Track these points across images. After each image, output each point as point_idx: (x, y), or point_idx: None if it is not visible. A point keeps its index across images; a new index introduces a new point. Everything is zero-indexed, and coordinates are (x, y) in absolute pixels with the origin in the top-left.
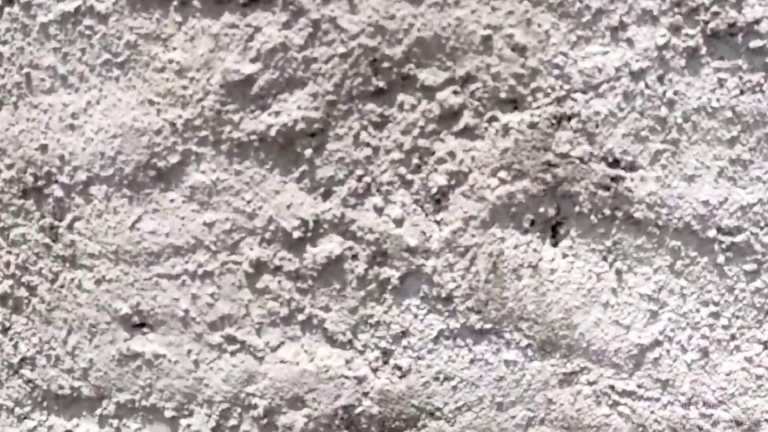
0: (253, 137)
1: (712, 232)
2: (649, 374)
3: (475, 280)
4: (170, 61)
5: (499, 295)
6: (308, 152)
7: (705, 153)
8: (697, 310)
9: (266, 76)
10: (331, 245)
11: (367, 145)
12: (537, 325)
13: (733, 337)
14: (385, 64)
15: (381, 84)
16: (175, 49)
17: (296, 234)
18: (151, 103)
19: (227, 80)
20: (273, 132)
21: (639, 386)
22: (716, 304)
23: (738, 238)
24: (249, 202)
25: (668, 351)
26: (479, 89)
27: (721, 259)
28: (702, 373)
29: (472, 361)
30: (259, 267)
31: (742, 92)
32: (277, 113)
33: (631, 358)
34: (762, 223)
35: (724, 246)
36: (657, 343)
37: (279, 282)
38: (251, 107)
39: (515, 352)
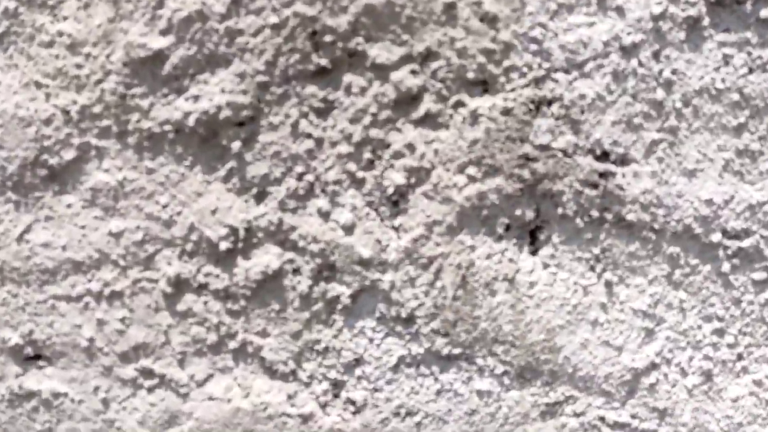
0: (167, 127)
1: (716, 236)
2: (644, 402)
3: (441, 297)
4: (60, 34)
5: (470, 314)
6: (236, 145)
7: (708, 143)
8: (699, 327)
9: (180, 52)
10: (267, 258)
11: (308, 136)
12: (514, 348)
13: (739, 357)
14: (328, 38)
15: (323, 62)
16: (66, 18)
17: (224, 245)
18: (38, 85)
19: (132, 57)
20: (191, 121)
21: (633, 417)
22: (720, 319)
23: (745, 243)
24: (165, 206)
25: (666, 375)
26: (442, 68)
27: (726, 267)
28: (705, 400)
29: (438, 393)
30: (180, 285)
31: (750, 71)
32: (196, 98)
33: (623, 385)
34: None
35: (729, 252)
36: (653, 366)
37: (205, 303)
38: (163, 91)
39: (489, 381)
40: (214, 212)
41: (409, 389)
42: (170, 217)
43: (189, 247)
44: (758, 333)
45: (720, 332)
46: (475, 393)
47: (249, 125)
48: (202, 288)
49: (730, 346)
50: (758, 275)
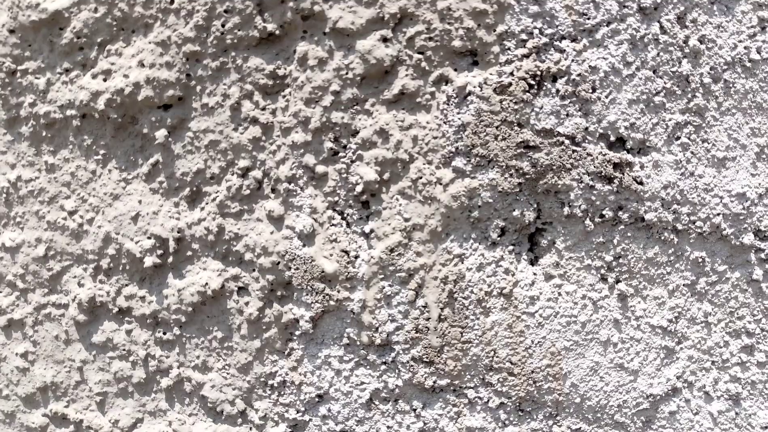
0: (70, 112)
1: (747, 238)
2: None
3: (424, 318)
4: None
5: (459, 338)
6: (161, 134)
7: (740, 126)
8: (726, 344)
9: (85, 14)
10: (205, 275)
11: (254, 121)
12: (512, 376)
13: None
14: None
15: (270, 27)
16: None
17: (150, 260)
18: None
19: (21, 22)
20: (102, 103)
21: None
22: (750, 334)
23: None
24: (72, 213)
25: (688, 401)
26: (420, 35)
27: (758, 273)
28: (732, 428)
29: None
30: (95, 311)
31: None
32: (107, 74)
33: (639, 414)
34: None
35: (762, 255)
36: (674, 391)
37: (128, 332)
38: (64, 65)
39: (482, 416)
40: (135, 219)
41: (386, 429)
42: (79, 226)
43: (105, 263)
44: None
45: (749, 349)
46: (466, 431)
47: (177, 108)
48: (123, 314)
49: (761, 364)
50: None
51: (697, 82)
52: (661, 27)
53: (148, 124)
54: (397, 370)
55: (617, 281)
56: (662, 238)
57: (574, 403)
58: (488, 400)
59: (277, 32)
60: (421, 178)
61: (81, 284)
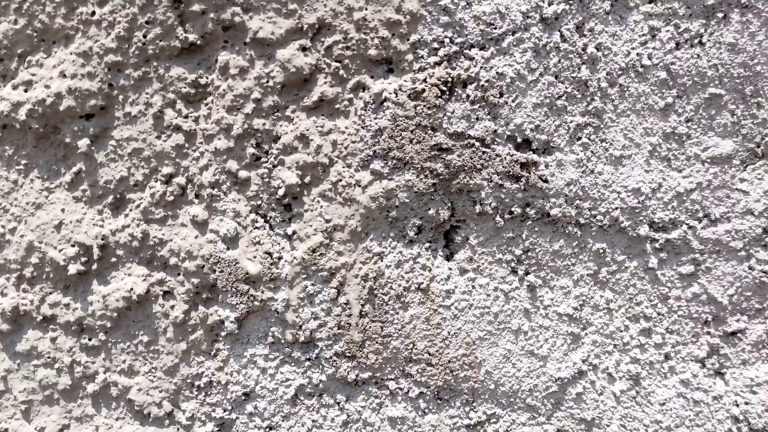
0: None
1: (643, 229)
2: (571, 414)
3: (346, 315)
4: None
5: (379, 333)
6: (83, 143)
7: (634, 127)
8: (626, 328)
9: (4, 26)
10: (129, 280)
11: (177, 129)
12: (431, 367)
13: (667, 357)
14: (196, 7)
15: (191, 37)
16: None
17: (74, 267)
18: None
19: None
20: (23, 113)
21: (560, 430)
22: (648, 318)
23: (673, 234)
24: None
25: (593, 383)
26: (338, 44)
27: (653, 261)
28: (633, 406)
29: (345, 425)
30: (19, 320)
31: (677, 45)
32: (28, 85)
33: (549, 397)
34: (700, 214)
35: (657, 245)
36: (580, 374)
37: (53, 339)
38: None
39: (403, 406)
40: (58, 227)
41: (311, 423)
42: (1, 236)
43: (28, 272)
44: (685, 330)
45: (647, 332)
46: (387, 421)
47: (99, 117)
48: (48, 321)
49: (658, 346)
50: (685, 269)
51: (595, 86)
52: (562, 36)
53: (70, 134)
54: (320, 366)
55: (527, 273)
56: (567, 231)
57: (489, 390)
58: (408, 391)
59: (199, 42)
60: (340, 180)
61: (4, 294)
